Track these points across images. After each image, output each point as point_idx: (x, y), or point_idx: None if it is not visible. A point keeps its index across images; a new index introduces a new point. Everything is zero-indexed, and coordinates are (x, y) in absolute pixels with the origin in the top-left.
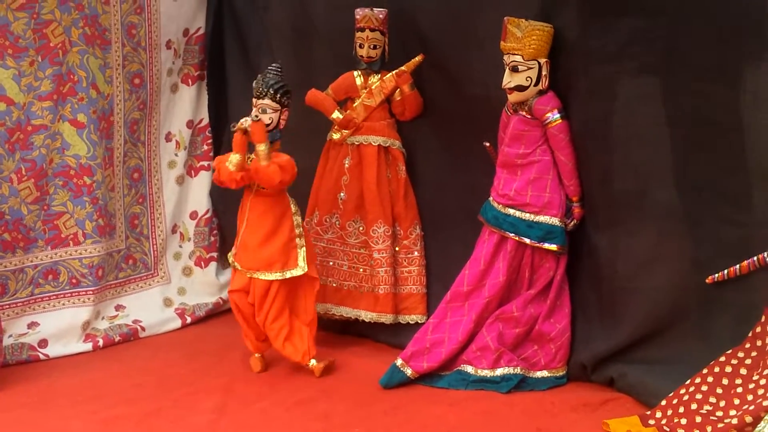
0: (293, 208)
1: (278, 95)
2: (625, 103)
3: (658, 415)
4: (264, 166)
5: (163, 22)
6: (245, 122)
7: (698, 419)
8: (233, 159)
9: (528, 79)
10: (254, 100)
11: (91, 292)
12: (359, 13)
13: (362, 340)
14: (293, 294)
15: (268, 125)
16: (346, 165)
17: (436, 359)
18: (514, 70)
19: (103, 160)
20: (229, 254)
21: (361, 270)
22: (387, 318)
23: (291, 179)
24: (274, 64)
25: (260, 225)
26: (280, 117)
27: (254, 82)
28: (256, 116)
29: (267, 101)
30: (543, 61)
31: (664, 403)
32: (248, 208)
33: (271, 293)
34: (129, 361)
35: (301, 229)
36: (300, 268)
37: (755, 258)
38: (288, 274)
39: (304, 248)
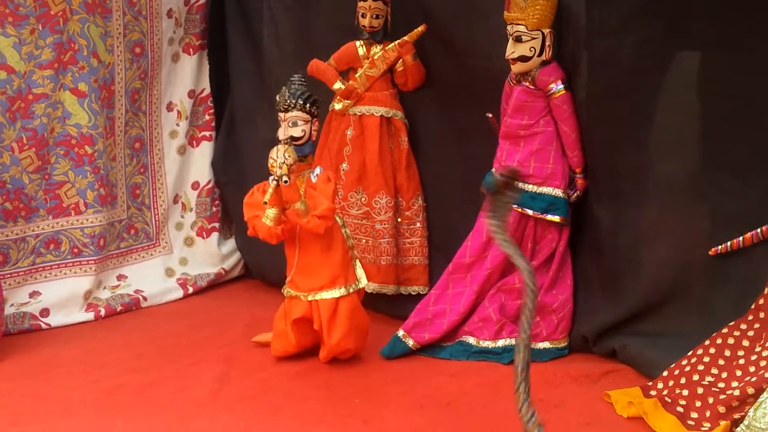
0: (339, 221)
1: (308, 105)
2: (627, 76)
3: (660, 386)
4: (305, 224)
5: None
6: (277, 174)
7: (700, 390)
8: (270, 214)
9: (531, 49)
10: (281, 114)
11: (92, 262)
12: None
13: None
14: None
15: (300, 138)
16: (349, 136)
17: (437, 330)
18: (518, 40)
19: (104, 129)
20: (284, 288)
21: (363, 241)
22: (389, 289)
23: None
24: (296, 75)
25: (313, 246)
26: (311, 128)
27: (278, 96)
28: (286, 180)
29: (297, 113)
30: (546, 31)
31: (665, 374)
32: (298, 236)
33: (341, 312)
34: (130, 330)
35: (352, 241)
36: (362, 281)
37: (758, 230)
38: (352, 289)
39: (358, 260)
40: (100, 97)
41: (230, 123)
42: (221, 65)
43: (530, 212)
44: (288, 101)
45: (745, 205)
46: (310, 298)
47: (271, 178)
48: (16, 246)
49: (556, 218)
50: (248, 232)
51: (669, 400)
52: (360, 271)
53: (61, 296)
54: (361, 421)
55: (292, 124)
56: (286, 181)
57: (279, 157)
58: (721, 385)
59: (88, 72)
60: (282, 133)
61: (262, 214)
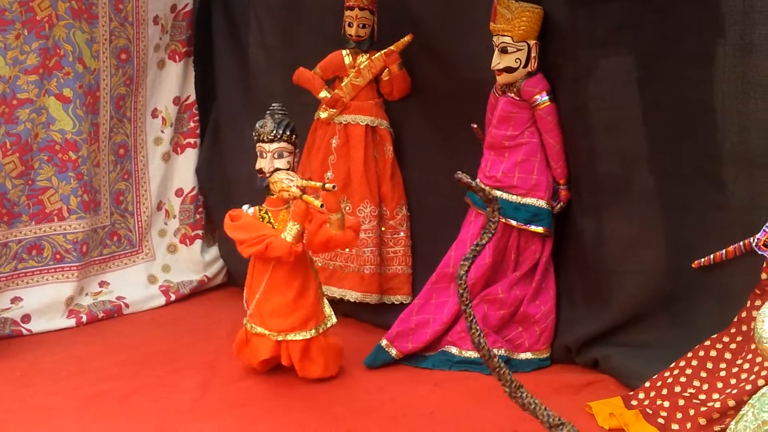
0: (309, 259)
1: (293, 136)
2: (612, 88)
3: (641, 396)
4: (341, 235)
5: None
6: (296, 184)
7: (681, 402)
8: (293, 231)
9: (517, 60)
10: (263, 145)
11: (75, 268)
12: None
13: (346, 320)
14: None
15: (286, 170)
16: (334, 144)
17: (420, 340)
18: (504, 51)
19: (88, 135)
20: (246, 320)
21: (347, 249)
22: (372, 298)
23: None
24: (276, 104)
25: (288, 285)
26: (294, 160)
27: (259, 125)
28: (333, 186)
29: (282, 144)
30: (532, 42)
31: (647, 384)
32: (270, 271)
33: (314, 350)
34: (112, 337)
35: (319, 278)
36: (331, 318)
37: (741, 243)
38: (322, 329)
39: (324, 296)
40: (85, 103)
41: (215, 130)
42: (207, 72)
43: (514, 223)
44: (274, 132)
45: (727, 217)
46: (279, 338)
47: (293, 185)
48: None
49: (540, 229)
50: (247, 252)
51: (650, 412)
52: (328, 309)
53: (43, 302)
54: (344, 430)
55: (278, 156)
56: (333, 186)
57: (291, 178)
58: (703, 397)
59: (73, 78)
60: (267, 166)
61: (271, 233)
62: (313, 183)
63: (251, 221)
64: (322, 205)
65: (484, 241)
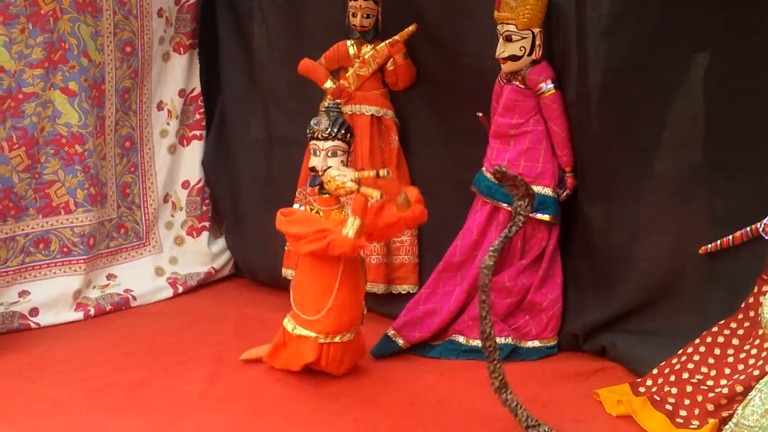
0: (359, 258)
1: (348, 135)
2: (617, 74)
3: (649, 383)
4: (411, 213)
5: None
6: (350, 178)
7: (689, 388)
8: (355, 225)
9: (522, 48)
10: (317, 142)
11: (82, 261)
12: None
13: None
14: None
15: (336, 167)
16: None
17: (427, 329)
18: (508, 39)
19: (94, 128)
20: (289, 324)
21: None
22: (379, 288)
23: None
24: (332, 102)
25: (346, 285)
26: (348, 159)
27: (314, 123)
28: (387, 171)
29: (336, 143)
30: (537, 30)
31: (655, 371)
32: (341, 270)
33: (348, 352)
34: (120, 330)
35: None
36: (364, 316)
37: (748, 229)
38: (358, 329)
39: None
40: (91, 96)
41: (221, 122)
42: (212, 64)
43: None
44: (329, 130)
45: (734, 204)
46: (327, 341)
47: (347, 180)
48: (6, 245)
49: (546, 217)
50: (307, 249)
51: (658, 398)
52: (364, 307)
53: (51, 295)
54: (351, 420)
55: (332, 154)
56: (387, 172)
57: (344, 173)
58: (710, 383)
59: (78, 71)
60: (319, 164)
61: (333, 228)
62: (366, 173)
63: (308, 215)
64: (382, 195)
65: (512, 234)
